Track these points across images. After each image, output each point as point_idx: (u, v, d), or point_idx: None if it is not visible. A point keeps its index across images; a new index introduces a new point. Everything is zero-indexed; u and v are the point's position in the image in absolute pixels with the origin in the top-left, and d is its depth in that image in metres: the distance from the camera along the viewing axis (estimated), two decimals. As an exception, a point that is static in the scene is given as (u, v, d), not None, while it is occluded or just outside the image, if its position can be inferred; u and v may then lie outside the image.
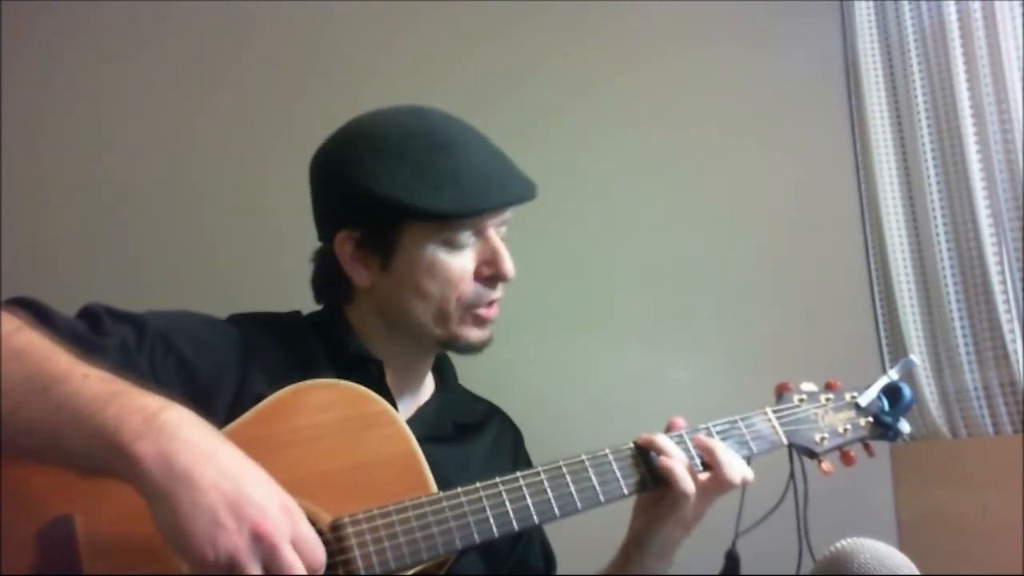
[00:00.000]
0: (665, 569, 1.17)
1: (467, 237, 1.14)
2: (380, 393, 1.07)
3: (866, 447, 1.27)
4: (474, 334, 1.18)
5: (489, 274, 1.16)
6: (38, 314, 0.96)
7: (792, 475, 1.20)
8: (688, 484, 1.09)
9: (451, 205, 1.11)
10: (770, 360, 2.11)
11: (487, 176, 1.14)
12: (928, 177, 2.21)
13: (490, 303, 1.18)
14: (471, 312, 1.16)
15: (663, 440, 1.11)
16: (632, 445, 1.11)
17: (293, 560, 0.82)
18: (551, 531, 1.33)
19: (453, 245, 1.14)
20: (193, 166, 1.98)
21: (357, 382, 1.05)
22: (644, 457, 1.11)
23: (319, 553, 0.85)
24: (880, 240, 2.32)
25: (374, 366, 1.18)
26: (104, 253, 1.91)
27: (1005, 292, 2.03)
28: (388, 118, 1.18)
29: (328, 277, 1.22)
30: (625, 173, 2.21)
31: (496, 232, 1.17)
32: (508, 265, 1.16)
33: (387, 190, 1.11)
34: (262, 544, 0.81)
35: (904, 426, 1.24)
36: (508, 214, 1.19)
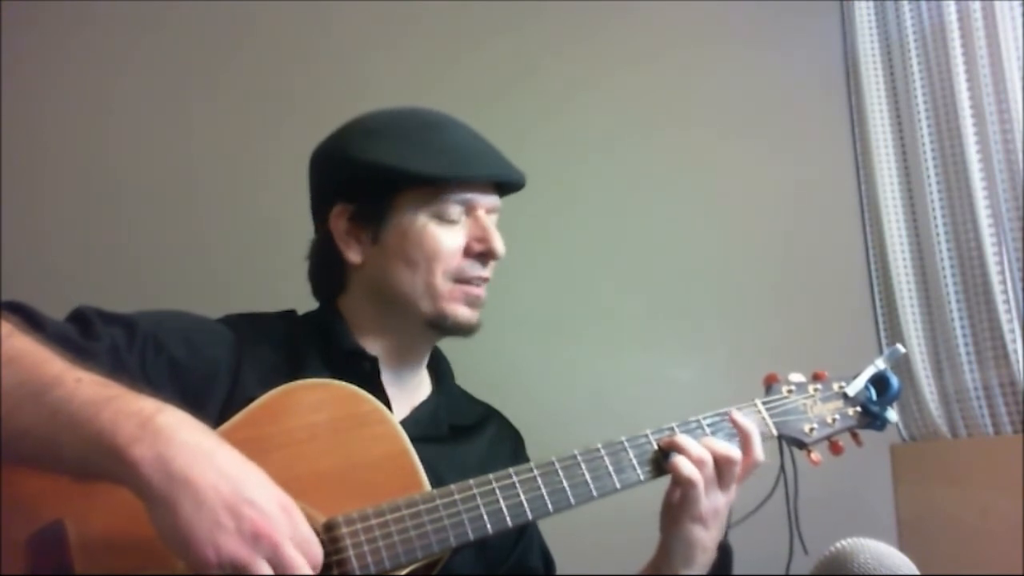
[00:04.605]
0: (700, 570, 1.14)
1: (458, 212, 1.16)
2: (374, 390, 1.07)
3: (854, 436, 1.26)
4: (463, 312, 1.17)
5: (480, 250, 1.17)
6: (27, 319, 0.95)
7: (782, 466, 1.20)
8: (688, 469, 1.08)
9: (441, 170, 1.14)
10: (770, 360, 2.08)
11: (476, 150, 1.19)
12: (928, 177, 2.21)
13: (480, 282, 1.18)
14: (460, 288, 1.17)
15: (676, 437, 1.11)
16: (620, 441, 1.10)
17: (296, 557, 0.82)
18: (551, 533, 1.33)
19: (444, 218, 1.16)
20: (192, 166, 1.99)
21: (351, 380, 1.05)
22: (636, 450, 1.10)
23: (317, 553, 0.85)
24: (880, 240, 2.31)
25: (368, 363, 1.18)
26: (103, 253, 1.91)
27: (1005, 292, 2.03)
28: (379, 111, 1.23)
29: (322, 265, 1.24)
30: (625, 173, 2.21)
31: (486, 217, 1.19)
32: (498, 243, 1.17)
33: (380, 158, 1.15)
34: (263, 544, 0.81)
35: (891, 415, 1.24)
36: (498, 202, 1.21)
